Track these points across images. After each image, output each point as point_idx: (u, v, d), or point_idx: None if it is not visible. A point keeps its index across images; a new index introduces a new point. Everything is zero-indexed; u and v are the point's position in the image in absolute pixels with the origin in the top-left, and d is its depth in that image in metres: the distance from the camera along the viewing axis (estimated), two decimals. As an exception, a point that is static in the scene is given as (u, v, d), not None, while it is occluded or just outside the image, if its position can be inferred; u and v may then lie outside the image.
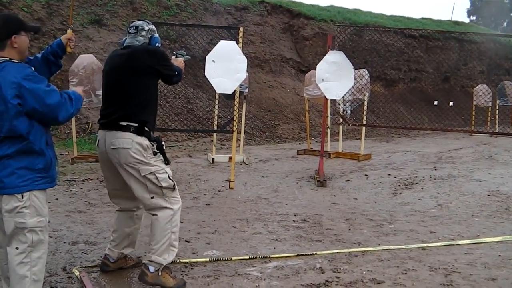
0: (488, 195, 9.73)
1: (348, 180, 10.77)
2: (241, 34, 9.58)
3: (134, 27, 5.19)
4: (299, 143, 16.42)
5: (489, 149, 16.55)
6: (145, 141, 4.90)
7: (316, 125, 17.93)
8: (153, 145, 4.95)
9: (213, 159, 11.87)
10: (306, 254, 6.03)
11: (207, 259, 5.75)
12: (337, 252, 6.17)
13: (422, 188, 10.14)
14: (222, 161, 11.89)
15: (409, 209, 8.55)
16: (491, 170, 12.36)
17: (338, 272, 5.53)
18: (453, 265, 5.90)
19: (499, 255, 6.34)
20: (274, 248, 6.25)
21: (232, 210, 8.02)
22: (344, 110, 13.89)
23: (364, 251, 6.27)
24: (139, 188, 4.92)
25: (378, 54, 23.67)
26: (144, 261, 5.09)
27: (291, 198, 8.95)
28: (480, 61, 27.84)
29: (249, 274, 5.40)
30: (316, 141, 15.64)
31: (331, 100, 12.11)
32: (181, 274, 5.28)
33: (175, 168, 10.96)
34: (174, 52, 5.87)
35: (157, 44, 5.26)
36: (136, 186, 4.93)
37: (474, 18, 65.65)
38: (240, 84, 9.97)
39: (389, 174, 11.42)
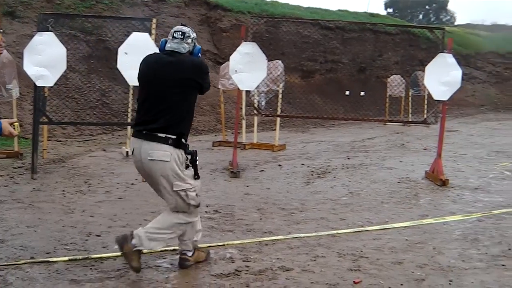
0: (398, 182, 10.01)
1: (262, 170, 10.86)
2: (154, 26, 9.50)
3: (181, 33, 5.16)
4: (215, 135, 16.37)
5: (402, 137, 17.01)
6: (181, 154, 5.01)
7: (232, 116, 17.86)
8: (187, 158, 5.04)
9: (127, 152, 11.72)
10: (216, 245, 6.07)
11: (118, 253, 5.71)
12: (248, 242, 6.23)
13: (334, 177, 10.34)
14: (137, 154, 11.76)
15: (321, 197, 8.70)
16: (402, 158, 12.72)
17: (248, 261, 5.59)
18: (361, 251, 6.07)
19: (406, 240, 6.56)
20: (185, 239, 6.26)
21: (145, 203, 7.96)
22: (258, 101, 13.97)
23: (275, 239, 6.37)
24: (168, 202, 5.12)
25: (295, 45, 23.87)
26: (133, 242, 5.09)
27: (204, 190, 8.85)
28: (395, 52, 28.50)
29: (159, 266, 5.41)
30: (232, 133, 15.56)
31: (245, 91, 12.19)
32: (90, 269, 5.23)
33: (88, 163, 10.81)
34: None
35: (199, 54, 5.31)
36: (165, 198, 5.13)
37: (391, 10, 67.03)
38: (154, 77, 9.87)
39: (303, 164, 11.57)
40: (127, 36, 9.32)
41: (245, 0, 25.77)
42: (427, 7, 70.10)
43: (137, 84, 9.15)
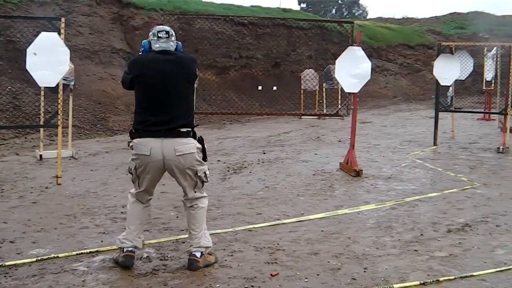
0: (314, 175, 10.20)
1: (179, 168, 10.82)
2: (63, 25, 9.34)
3: (165, 32, 5.37)
4: (130, 135, 16.16)
5: (317, 130, 17.28)
6: (197, 143, 5.34)
7: (148, 115, 17.79)
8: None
9: (40, 155, 11.47)
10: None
11: (33, 259, 5.62)
12: (165, 241, 6.26)
13: (250, 172, 10.44)
14: (51, 157, 11.44)
15: (237, 193, 8.78)
16: (317, 151, 12.95)
17: (165, 259, 5.63)
18: (278, 244, 6.19)
19: (322, 231, 6.74)
20: (102, 241, 6.21)
21: (60, 206, 7.84)
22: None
23: (192, 237, 6.40)
24: (189, 186, 5.41)
25: (209, 42, 23.86)
26: (191, 250, 5.42)
27: (120, 190, 8.84)
28: (308, 46, 28.81)
29: (75, 269, 5.35)
30: (148, 132, 15.52)
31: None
32: (5, 277, 5.12)
33: (1, 167, 10.51)
34: None
35: (181, 49, 5.50)
36: (187, 184, 5.40)
37: (304, 5, 67.77)
38: (65, 77, 9.76)
39: (219, 160, 11.63)
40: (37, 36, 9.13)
41: (157, -3, 25.59)
42: (339, 1, 71.32)
43: (47, 85, 9.13)
